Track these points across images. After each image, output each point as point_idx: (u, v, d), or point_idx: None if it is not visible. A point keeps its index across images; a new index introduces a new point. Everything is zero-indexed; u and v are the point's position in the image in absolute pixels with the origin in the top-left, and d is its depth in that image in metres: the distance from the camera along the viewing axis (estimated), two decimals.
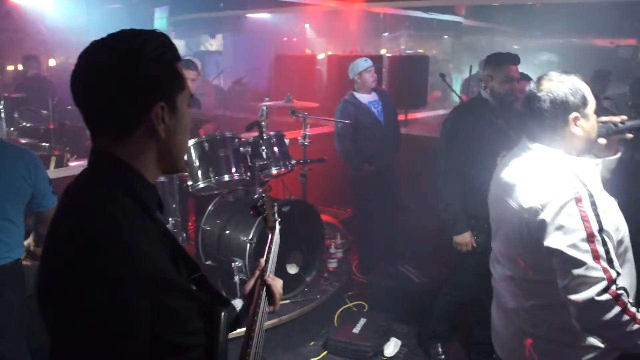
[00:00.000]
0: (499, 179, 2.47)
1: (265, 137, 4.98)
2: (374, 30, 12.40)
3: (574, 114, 2.23)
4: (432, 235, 5.49)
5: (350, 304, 5.32)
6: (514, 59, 4.01)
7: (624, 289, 2.08)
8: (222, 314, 1.62)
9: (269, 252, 2.22)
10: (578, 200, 2.11)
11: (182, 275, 1.51)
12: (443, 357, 4.47)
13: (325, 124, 6.89)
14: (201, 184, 4.76)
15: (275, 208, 2.56)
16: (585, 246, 2.07)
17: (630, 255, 2.28)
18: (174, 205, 4.90)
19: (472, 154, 3.97)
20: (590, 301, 2.05)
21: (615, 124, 2.38)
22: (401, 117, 7.08)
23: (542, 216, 2.16)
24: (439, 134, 4.24)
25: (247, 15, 12.05)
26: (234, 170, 4.78)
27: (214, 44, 14.93)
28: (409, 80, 7.60)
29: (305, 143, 5.54)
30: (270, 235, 2.36)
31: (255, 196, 4.80)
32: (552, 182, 2.20)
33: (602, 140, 2.37)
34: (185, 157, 4.77)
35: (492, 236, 2.62)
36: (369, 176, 5.74)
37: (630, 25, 11.69)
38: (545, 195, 2.18)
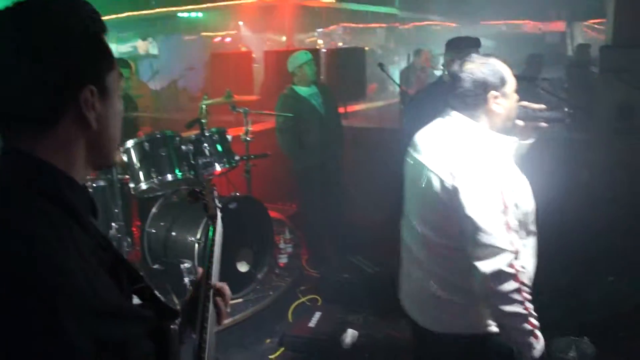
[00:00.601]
0: (417, 145, 2.57)
1: (207, 134, 4.88)
2: (309, 25, 12.39)
3: (493, 92, 2.39)
4: (380, 224, 5.49)
5: (303, 299, 5.27)
6: (476, 43, 4.02)
7: (523, 267, 2.22)
8: (172, 328, 1.43)
9: (211, 250, 1.95)
10: (493, 172, 2.26)
11: (123, 290, 1.29)
12: None
13: (266, 120, 6.82)
14: (144, 186, 4.62)
15: (216, 193, 2.33)
16: (500, 217, 2.21)
17: (533, 239, 2.42)
18: (116, 210, 4.73)
19: None
20: (496, 271, 2.19)
21: (533, 110, 2.54)
22: (341, 110, 7.09)
23: (456, 184, 2.29)
24: (381, 124, 4.24)
25: (180, 15, 11.85)
26: (176, 169, 4.67)
27: (147, 47, 14.66)
28: (347, 73, 7.62)
29: (248, 139, 5.47)
30: (212, 228, 2.11)
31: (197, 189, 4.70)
32: (469, 152, 2.34)
33: (520, 122, 2.54)
34: (126, 159, 4.64)
35: (405, 200, 2.68)
36: (313, 170, 5.71)
37: (556, 11, 12.04)
38: (462, 163, 2.31)
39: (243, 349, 4.54)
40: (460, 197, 2.27)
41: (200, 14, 12.13)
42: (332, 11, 11.72)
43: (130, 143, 4.64)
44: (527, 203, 2.37)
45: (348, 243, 6.02)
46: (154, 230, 4.80)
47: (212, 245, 1.98)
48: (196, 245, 4.43)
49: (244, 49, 9.92)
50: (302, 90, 5.73)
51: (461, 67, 2.47)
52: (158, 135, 4.69)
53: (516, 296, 2.21)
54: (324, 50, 10.02)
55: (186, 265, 4.45)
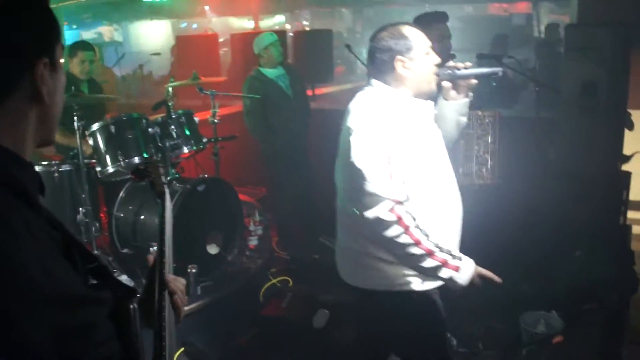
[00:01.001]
0: (344, 113, 2.69)
1: (173, 116, 4.84)
2: (275, 7, 12.31)
3: (399, 57, 2.54)
4: None
5: (274, 280, 5.26)
6: (443, 17, 4.00)
7: (410, 212, 2.39)
8: (131, 307, 1.36)
9: (162, 231, 1.88)
10: (382, 126, 2.42)
11: (78, 270, 1.23)
12: None
13: (234, 103, 6.78)
14: (110, 169, 4.56)
15: (162, 170, 2.23)
16: (384, 167, 2.38)
17: (443, 187, 2.62)
18: (83, 195, 4.66)
19: None
20: (376, 217, 2.37)
21: (458, 69, 2.67)
22: (308, 93, 7.07)
23: (351, 137, 2.46)
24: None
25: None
26: (143, 152, 4.62)
27: (111, 33, 14.43)
28: (314, 56, 7.59)
29: (216, 121, 5.43)
30: (161, 208, 2.01)
31: (168, 178, 4.66)
32: (367, 110, 2.52)
33: (447, 84, 2.71)
34: (91, 142, 4.57)
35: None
36: (282, 152, 5.68)
37: None
38: (357, 119, 2.50)
39: (216, 332, 4.52)
40: (352, 149, 2.45)
41: None
42: None
43: (96, 126, 4.57)
44: (432, 164, 2.57)
45: (317, 224, 6.03)
46: (122, 214, 4.74)
47: (163, 223, 1.93)
48: None
49: (210, 32, 9.84)
50: (269, 72, 5.69)
51: (373, 37, 2.63)
52: (124, 118, 4.63)
53: (404, 239, 2.37)
54: (291, 34, 9.98)
55: (155, 248, 4.40)
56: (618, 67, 4.94)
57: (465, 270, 2.48)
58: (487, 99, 6.83)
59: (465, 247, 3.86)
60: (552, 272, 4.58)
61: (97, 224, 4.80)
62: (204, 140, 5.04)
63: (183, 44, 9.35)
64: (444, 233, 2.60)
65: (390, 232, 2.38)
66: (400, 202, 2.38)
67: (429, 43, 2.62)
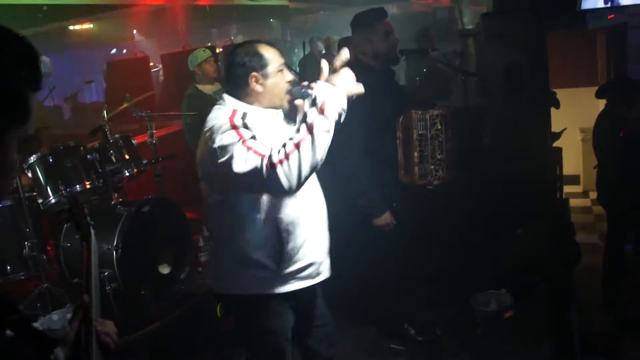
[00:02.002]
0: None
1: (111, 141, 4.79)
2: (202, 25, 12.28)
3: (253, 74, 2.62)
4: None
5: None
6: (384, 13, 3.96)
7: (272, 151, 2.39)
8: (52, 357, 1.33)
9: (88, 274, 1.81)
10: (233, 127, 2.50)
11: None
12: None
13: (171, 124, 6.75)
14: (52, 200, 4.49)
15: (87, 210, 2.17)
16: (241, 146, 2.41)
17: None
18: (27, 229, 4.59)
19: (372, 126, 3.77)
20: (266, 183, 2.37)
21: (311, 88, 2.61)
22: None
23: (208, 146, 2.54)
24: None
25: (71, 28, 11.48)
26: (84, 179, 4.56)
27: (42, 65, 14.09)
28: None
29: (154, 142, 5.39)
30: (85, 250, 1.94)
31: (112, 202, 4.61)
32: (217, 123, 2.58)
33: (299, 102, 2.68)
34: (30, 174, 4.50)
35: None
36: None
37: None
38: (209, 132, 2.59)
39: (174, 354, 4.49)
40: (209, 155, 2.53)
41: (91, 26, 11.79)
42: (224, 9, 11.64)
43: (33, 158, 4.50)
44: None
45: None
46: (69, 244, 4.67)
47: (90, 267, 1.86)
48: (114, 252, 4.35)
49: (140, 55, 9.75)
50: (206, 88, 5.69)
51: (230, 52, 2.74)
52: (61, 147, 4.57)
53: (292, 164, 2.34)
54: (220, 49, 9.99)
55: (106, 273, 4.36)
56: (536, 50, 5.10)
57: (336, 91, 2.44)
58: (423, 93, 7.01)
59: (415, 240, 3.96)
60: (498, 252, 4.70)
61: (45, 257, 4.72)
62: (144, 162, 5.01)
63: (114, 70, 9.26)
64: (308, 240, 2.71)
65: (282, 177, 2.34)
66: (269, 157, 2.38)
67: (282, 61, 2.70)
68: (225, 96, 2.72)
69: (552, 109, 5.62)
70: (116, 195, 4.74)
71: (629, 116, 4.80)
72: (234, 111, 2.61)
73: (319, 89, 2.42)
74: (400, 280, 4.08)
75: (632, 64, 6.88)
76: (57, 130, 8.80)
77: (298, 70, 9.07)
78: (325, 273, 2.89)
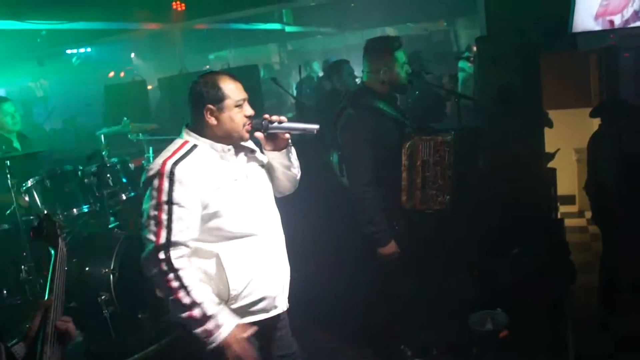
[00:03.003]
0: None
1: (108, 165, 4.83)
2: (200, 48, 12.39)
3: (209, 106, 2.60)
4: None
5: None
6: (400, 43, 3.94)
7: (173, 261, 2.43)
8: None
9: (52, 279, 1.97)
10: (160, 175, 2.48)
11: None
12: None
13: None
14: (60, 219, 4.51)
15: (57, 224, 2.39)
16: (153, 212, 2.46)
17: (250, 229, 2.65)
18: (24, 253, 4.60)
19: (379, 153, 3.75)
20: (143, 258, 2.49)
21: (270, 122, 2.71)
22: None
23: (143, 183, 2.58)
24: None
25: (69, 52, 11.56)
26: (82, 203, 4.59)
27: (40, 88, 14.18)
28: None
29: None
30: (53, 256, 2.11)
31: (109, 226, 4.64)
32: (158, 158, 2.58)
33: (259, 134, 2.74)
34: (27, 198, 4.52)
35: None
36: None
37: (439, 9, 12.50)
38: (149, 166, 2.58)
39: None
40: (144, 195, 2.56)
41: (89, 49, 11.89)
42: (222, 33, 11.74)
43: (31, 182, 4.53)
44: (227, 207, 2.59)
45: None
46: (66, 268, 4.65)
47: (54, 272, 2.04)
48: (111, 275, 4.36)
49: (138, 79, 9.81)
50: None
51: (194, 80, 2.70)
52: (59, 171, 4.61)
53: (161, 283, 2.45)
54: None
55: (104, 297, 4.36)
56: (529, 72, 5.17)
57: (215, 336, 2.47)
58: (420, 115, 7.06)
59: (411, 262, 3.97)
60: (494, 271, 4.71)
61: (42, 281, 4.73)
62: (141, 185, 5.03)
63: (112, 93, 9.32)
64: (257, 276, 2.66)
65: (152, 273, 2.46)
66: (163, 247, 2.44)
67: (243, 95, 2.66)
68: (185, 128, 2.70)
69: (546, 130, 5.68)
70: (112, 219, 4.75)
71: (622, 136, 4.85)
72: (182, 144, 2.61)
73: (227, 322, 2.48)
74: (398, 301, 4.08)
75: (624, 86, 6.96)
76: (55, 154, 8.83)
77: (295, 94, 9.13)
78: (281, 306, 2.83)
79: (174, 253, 2.44)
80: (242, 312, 2.66)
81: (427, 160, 3.78)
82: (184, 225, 2.48)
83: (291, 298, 2.92)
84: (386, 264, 3.86)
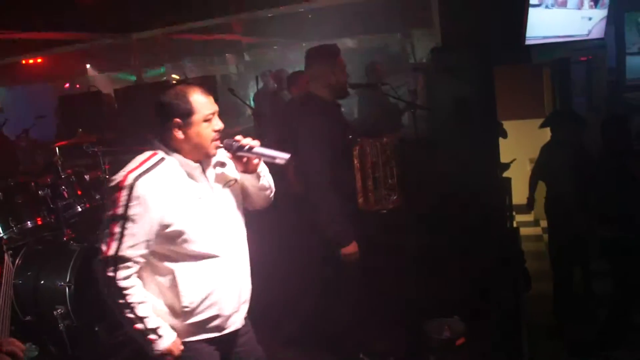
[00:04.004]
0: None
1: (63, 177, 4.80)
2: (157, 59, 12.32)
3: (176, 120, 2.52)
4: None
5: None
6: (338, 49, 4.08)
7: (117, 279, 2.44)
8: None
9: None
10: (121, 187, 2.44)
11: None
12: None
13: (124, 159, 6.73)
14: (4, 237, 4.46)
15: (4, 241, 2.28)
16: (108, 223, 2.45)
17: (211, 250, 2.62)
18: None
19: (332, 157, 3.83)
20: (95, 265, 2.49)
21: (240, 146, 2.64)
22: None
23: (106, 191, 2.59)
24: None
25: (23, 63, 11.37)
26: (36, 215, 4.56)
27: None
28: None
29: (107, 177, 5.38)
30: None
31: (64, 238, 4.61)
32: (124, 168, 2.52)
33: (226, 154, 2.69)
34: None
35: None
36: None
37: (395, 21, 12.67)
38: (113, 177, 2.54)
39: None
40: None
41: (41, 60, 11.71)
42: (178, 43, 11.69)
43: None
44: (190, 228, 2.54)
45: None
46: (20, 282, 4.62)
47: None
48: (67, 288, 4.34)
49: (93, 90, 9.72)
50: None
51: (162, 91, 2.61)
52: (11, 183, 4.56)
53: (110, 296, 2.48)
54: (173, 82, 10.02)
55: (60, 311, 4.33)
56: (484, 83, 5.31)
57: (157, 345, 2.54)
58: (373, 125, 7.16)
59: (368, 267, 4.03)
60: (451, 279, 4.81)
61: None
62: (97, 197, 5.02)
63: (67, 104, 9.22)
64: (212, 295, 2.64)
65: (101, 284, 2.49)
66: (112, 260, 2.43)
67: (213, 109, 2.58)
68: (154, 141, 2.62)
69: (501, 140, 5.83)
70: (68, 231, 4.72)
71: (573, 144, 5.02)
72: (149, 157, 2.55)
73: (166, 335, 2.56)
74: (355, 308, 4.14)
75: (576, 97, 7.20)
76: (9, 166, 8.69)
77: (253, 105, 9.17)
78: (236, 324, 2.81)
79: (120, 273, 2.44)
80: (194, 328, 2.66)
81: (377, 161, 3.89)
82: (135, 240, 2.45)
83: (251, 311, 2.92)
84: (345, 269, 3.91)
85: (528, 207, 5.66)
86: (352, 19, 9.83)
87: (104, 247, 2.44)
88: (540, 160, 5.47)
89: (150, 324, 2.51)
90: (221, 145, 2.62)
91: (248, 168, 2.72)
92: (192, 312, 2.62)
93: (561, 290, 5.23)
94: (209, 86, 7.80)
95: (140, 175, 2.46)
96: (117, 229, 2.42)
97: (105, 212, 2.49)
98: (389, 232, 4.75)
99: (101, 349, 4.38)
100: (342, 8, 8.51)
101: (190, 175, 2.60)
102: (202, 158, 2.63)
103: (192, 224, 2.55)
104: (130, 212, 2.42)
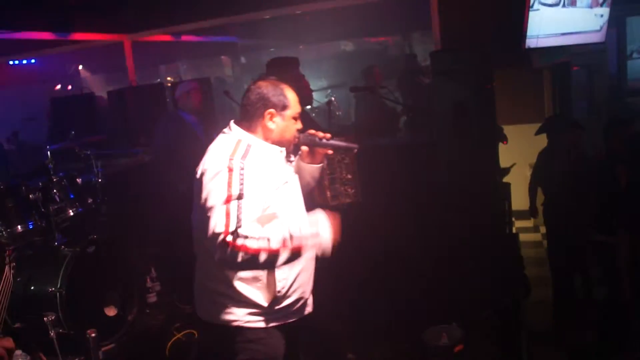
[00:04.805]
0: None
1: (55, 180, 4.80)
2: (151, 61, 12.31)
3: (270, 110, 2.79)
4: None
5: (179, 335, 5.24)
6: (297, 62, 4.47)
7: (240, 233, 2.52)
8: None
9: None
10: (229, 170, 2.60)
11: None
12: None
13: (120, 165, 6.75)
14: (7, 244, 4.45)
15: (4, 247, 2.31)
16: (222, 206, 2.55)
17: None
18: None
19: None
20: (215, 249, 2.54)
21: (319, 139, 2.93)
22: None
23: (203, 178, 2.66)
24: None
25: (11, 63, 11.35)
26: (27, 219, 4.56)
27: None
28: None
29: (99, 180, 5.39)
30: None
31: (56, 243, 4.61)
32: (219, 154, 2.70)
33: (305, 148, 2.98)
34: None
35: None
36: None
37: (394, 24, 12.70)
38: (209, 162, 2.69)
39: None
40: (201, 190, 2.64)
41: (33, 61, 11.70)
42: (173, 45, 11.70)
43: None
44: (283, 209, 2.75)
45: None
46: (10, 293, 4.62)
47: None
48: (58, 294, 4.34)
49: (85, 92, 9.70)
50: (189, 117, 5.79)
51: (255, 81, 2.88)
52: (1, 187, 4.55)
53: (249, 258, 2.52)
54: (168, 84, 10.04)
55: (51, 317, 4.32)
56: (484, 87, 5.31)
57: (324, 232, 2.67)
58: (371, 129, 7.18)
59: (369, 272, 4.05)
60: (449, 286, 4.82)
61: None
62: (89, 201, 5.03)
63: (59, 106, 9.21)
64: (299, 277, 2.86)
65: (240, 259, 2.52)
66: (232, 233, 2.53)
67: (299, 109, 2.87)
68: (233, 125, 2.84)
69: (501, 145, 5.84)
70: (59, 236, 4.72)
71: (570, 150, 5.05)
72: (238, 142, 2.73)
73: (320, 221, 2.68)
74: (353, 314, 4.15)
75: (576, 101, 7.22)
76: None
77: None
78: (309, 308, 3.02)
79: (241, 231, 2.52)
80: (280, 313, 2.84)
81: (332, 158, 3.96)
82: (251, 216, 2.58)
83: None
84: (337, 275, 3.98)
85: (531, 214, 5.68)
86: (350, 21, 9.85)
87: (222, 228, 2.51)
88: (538, 166, 5.50)
89: (297, 230, 2.61)
90: (298, 140, 2.92)
91: (316, 159, 3.04)
92: (284, 296, 2.82)
93: (561, 297, 5.25)
94: (205, 89, 7.89)
95: (243, 157, 2.66)
96: (233, 209, 2.54)
97: (212, 198, 2.57)
98: (386, 237, 4.77)
99: (93, 356, 4.36)
100: (340, 10, 8.52)
101: (275, 161, 2.82)
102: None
103: (282, 206, 2.77)
104: (245, 190, 2.58)
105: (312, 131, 2.96)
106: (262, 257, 2.53)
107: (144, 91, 7.95)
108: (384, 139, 4.13)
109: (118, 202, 5.63)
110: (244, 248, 2.51)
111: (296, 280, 2.85)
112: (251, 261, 2.55)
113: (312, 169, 3.07)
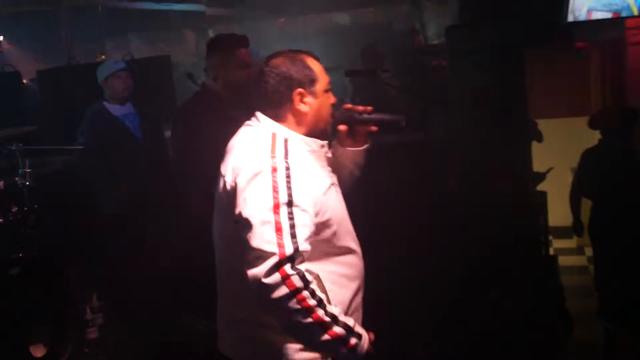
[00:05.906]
0: (224, 155, 2.80)
1: None
2: (93, 33, 12.27)
3: (299, 90, 2.69)
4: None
5: None
6: (245, 41, 4.38)
7: (304, 273, 2.41)
8: None
9: None
10: (273, 171, 2.51)
11: None
12: None
13: (53, 161, 6.75)
14: None
15: None
16: (269, 216, 2.44)
17: (351, 244, 2.78)
18: None
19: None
20: (258, 277, 2.39)
21: (359, 113, 2.89)
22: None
23: (236, 181, 2.56)
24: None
25: None
26: None
27: None
28: (149, 89, 7.62)
29: (27, 184, 5.38)
30: None
31: None
32: (253, 151, 2.62)
33: (342, 127, 2.92)
34: None
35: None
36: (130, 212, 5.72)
37: None
38: (242, 161, 2.61)
39: None
40: (234, 196, 2.54)
41: None
42: (123, 14, 11.67)
43: None
44: (334, 216, 2.68)
45: (181, 300, 6.01)
46: None
47: None
48: None
49: (9, 70, 9.63)
50: (115, 108, 5.79)
51: (266, 62, 2.76)
52: None
53: (291, 304, 2.39)
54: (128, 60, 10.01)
55: None
56: (513, 72, 5.33)
57: (361, 349, 2.56)
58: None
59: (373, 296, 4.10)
60: (465, 318, 4.83)
61: None
62: (13, 210, 5.03)
63: None
64: (356, 299, 2.78)
65: (276, 295, 2.39)
66: (289, 259, 2.41)
67: (329, 79, 2.79)
68: (260, 115, 2.76)
69: (535, 144, 5.86)
70: None
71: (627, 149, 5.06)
72: (274, 136, 2.67)
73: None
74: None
75: (632, 88, 7.24)
76: None
77: None
78: None
79: (302, 266, 2.43)
80: None
81: None
82: (308, 231, 2.50)
83: None
84: None
85: (576, 232, 5.69)
86: None
87: (274, 248, 2.40)
88: (583, 170, 5.49)
89: (347, 322, 2.51)
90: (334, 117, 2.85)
91: (358, 140, 2.98)
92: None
93: (614, 340, 5.23)
94: (162, 69, 7.88)
95: (285, 155, 2.57)
96: (284, 221, 2.44)
97: (252, 207, 2.47)
98: (390, 265, 4.79)
99: None
100: None
101: (317, 158, 2.76)
102: (318, 136, 2.78)
103: (333, 211, 2.69)
104: (296, 197, 2.49)
105: (348, 105, 2.93)
106: (296, 305, 2.40)
107: (85, 71, 7.92)
108: (384, 135, 4.11)
109: (51, 211, 5.60)
110: (291, 285, 2.39)
111: (352, 303, 2.77)
112: (282, 307, 2.41)
113: (356, 154, 3.01)
